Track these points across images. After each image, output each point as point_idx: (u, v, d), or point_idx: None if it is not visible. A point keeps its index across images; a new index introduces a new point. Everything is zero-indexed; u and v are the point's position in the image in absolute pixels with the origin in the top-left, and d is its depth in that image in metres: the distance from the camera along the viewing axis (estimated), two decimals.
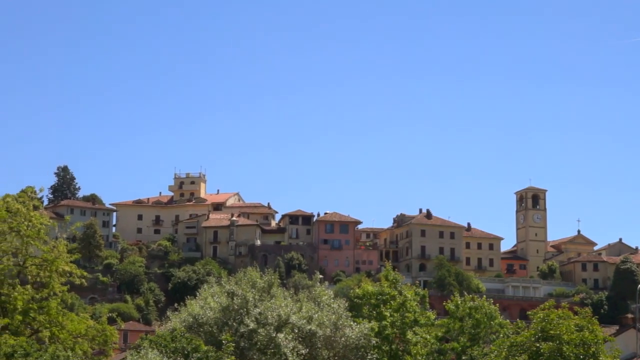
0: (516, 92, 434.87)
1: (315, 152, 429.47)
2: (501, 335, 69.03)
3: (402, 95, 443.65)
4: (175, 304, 73.98)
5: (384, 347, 67.49)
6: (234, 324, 61.11)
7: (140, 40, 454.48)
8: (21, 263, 62.31)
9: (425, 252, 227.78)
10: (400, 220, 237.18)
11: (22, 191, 66.30)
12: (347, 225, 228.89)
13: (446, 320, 74.45)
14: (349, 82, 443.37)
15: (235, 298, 62.59)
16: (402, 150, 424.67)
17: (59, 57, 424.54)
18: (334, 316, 63.80)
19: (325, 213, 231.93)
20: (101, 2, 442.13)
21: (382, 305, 69.55)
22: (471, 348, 70.71)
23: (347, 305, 67.13)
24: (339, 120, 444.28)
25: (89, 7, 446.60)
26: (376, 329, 66.77)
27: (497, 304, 75.96)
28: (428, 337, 69.84)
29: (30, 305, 60.24)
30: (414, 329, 69.26)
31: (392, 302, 70.14)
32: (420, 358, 68.03)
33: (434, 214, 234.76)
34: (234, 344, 55.66)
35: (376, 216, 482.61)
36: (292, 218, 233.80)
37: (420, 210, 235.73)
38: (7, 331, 57.38)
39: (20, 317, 59.29)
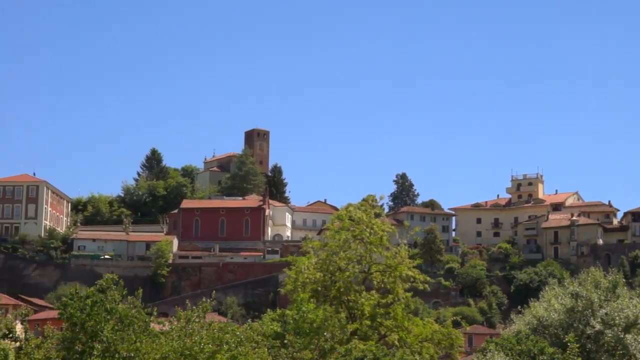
0: None
1: None
2: None
3: None
4: (519, 307, 73.62)
5: None
6: (579, 325, 60.13)
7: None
8: (366, 270, 64.18)
9: None
10: None
11: (364, 200, 68.28)
12: None
13: None
14: None
15: (579, 299, 61.54)
16: None
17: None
18: None
19: None
20: None
21: None
22: None
23: None
24: None
25: None
26: None
27: None
28: None
29: (377, 310, 61.89)
30: None
31: None
32: None
33: None
34: (578, 345, 54.80)
35: None
36: (635, 215, 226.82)
37: None
38: (355, 336, 59.32)
39: (368, 322, 61.04)
